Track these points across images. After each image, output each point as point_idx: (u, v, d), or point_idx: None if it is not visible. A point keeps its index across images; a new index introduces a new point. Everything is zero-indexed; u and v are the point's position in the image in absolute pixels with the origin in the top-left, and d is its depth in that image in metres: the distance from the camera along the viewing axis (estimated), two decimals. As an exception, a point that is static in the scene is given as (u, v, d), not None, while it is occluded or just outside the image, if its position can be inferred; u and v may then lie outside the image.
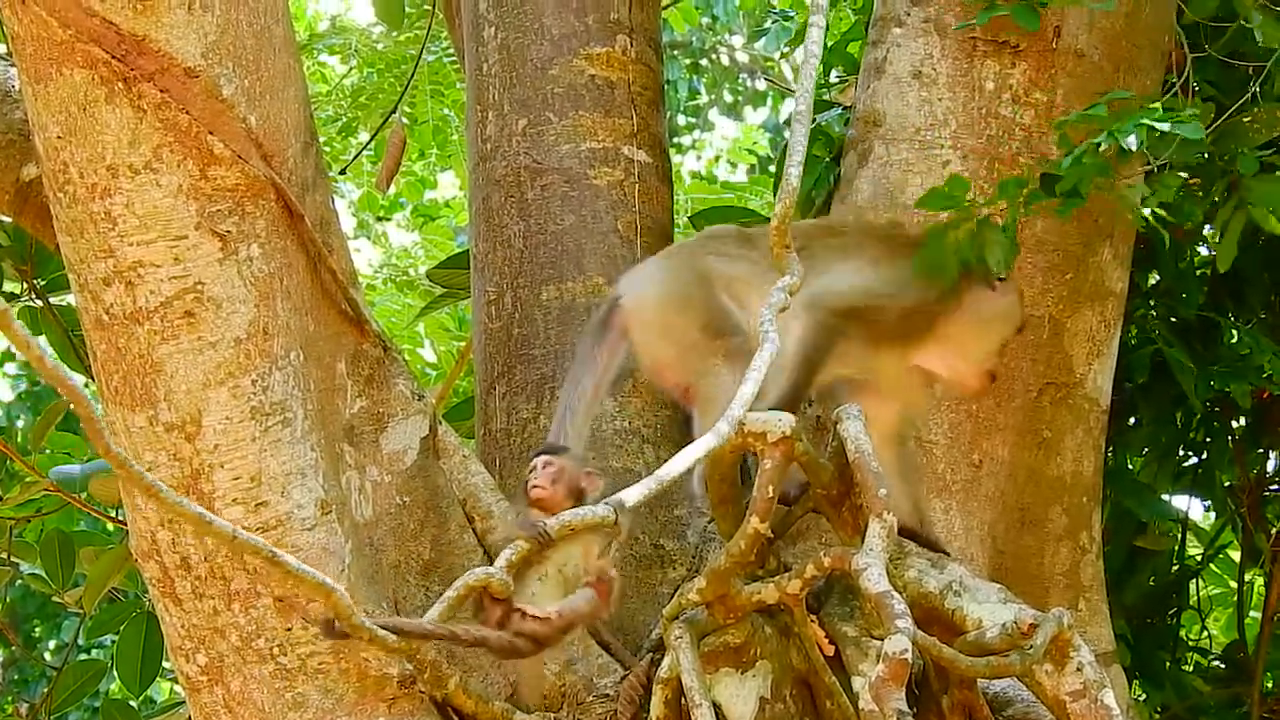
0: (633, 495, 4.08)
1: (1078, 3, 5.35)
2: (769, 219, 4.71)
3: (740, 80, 15.11)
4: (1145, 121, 4.77)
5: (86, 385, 5.67)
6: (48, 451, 6.95)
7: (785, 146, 4.68)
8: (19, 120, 5.33)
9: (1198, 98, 6.23)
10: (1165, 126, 4.81)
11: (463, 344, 9.13)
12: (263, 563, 3.73)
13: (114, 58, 4.22)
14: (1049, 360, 5.59)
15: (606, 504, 4.18)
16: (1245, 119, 4.94)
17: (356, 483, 4.73)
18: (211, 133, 4.32)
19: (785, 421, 4.17)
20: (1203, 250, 7.29)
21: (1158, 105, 4.89)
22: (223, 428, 4.40)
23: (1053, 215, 5.34)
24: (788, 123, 8.61)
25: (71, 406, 3.25)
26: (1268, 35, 5.43)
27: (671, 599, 4.50)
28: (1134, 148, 4.75)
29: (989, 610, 4.59)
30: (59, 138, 4.30)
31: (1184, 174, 5.28)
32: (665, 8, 8.26)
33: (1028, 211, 5.04)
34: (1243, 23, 5.51)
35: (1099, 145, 4.82)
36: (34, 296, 6.50)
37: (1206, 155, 5.03)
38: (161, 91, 4.26)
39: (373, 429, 4.82)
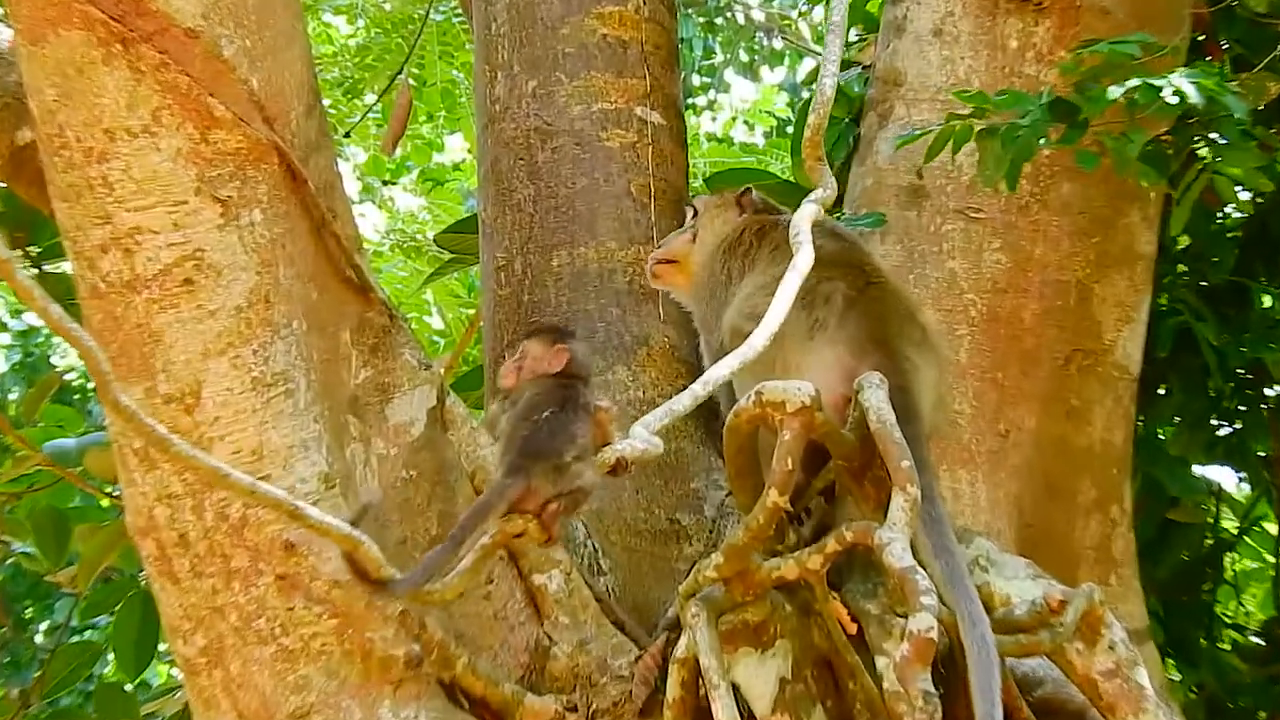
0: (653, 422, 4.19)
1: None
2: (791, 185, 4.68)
3: (757, 39, 15.06)
4: (1203, 81, 4.73)
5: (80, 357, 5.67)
6: (41, 424, 6.96)
7: (805, 103, 4.66)
8: (14, 83, 5.32)
9: (1226, 56, 6.23)
10: (1230, 99, 4.78)
11: (472, 311, 9.15)
12: (286, 516, 3.70)
13: (111, 18, 4.20)
14: (1077, 327, 5.59)
15: (648, 439, 4.18)
16: (1234, 84, 4.88)
17: (362, 455, 4.71)
18: (212, 95, 4.30)
19: (805, 390, 4.15)
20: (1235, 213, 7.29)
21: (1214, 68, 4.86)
22: (223, 399, 4.38)
23: (1079, 177, 5.32)
24: (806, 82, 8.58)
25: (80, 364, 3.25)
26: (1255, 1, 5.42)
27: (688, 576, 4.48)
28: (1199, 101, 4.69)
29: (1017, 586, 4.58)
30: (55, 100, 4.28)
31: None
32: (679, -37, 8.25)
33: (1039, 132, 4.95)
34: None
35: (1130, 89, 4.79)
36: (29, 264, 6.51)
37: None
38: (160, 53, 4.24)
39: (378, 400, 4.79)
